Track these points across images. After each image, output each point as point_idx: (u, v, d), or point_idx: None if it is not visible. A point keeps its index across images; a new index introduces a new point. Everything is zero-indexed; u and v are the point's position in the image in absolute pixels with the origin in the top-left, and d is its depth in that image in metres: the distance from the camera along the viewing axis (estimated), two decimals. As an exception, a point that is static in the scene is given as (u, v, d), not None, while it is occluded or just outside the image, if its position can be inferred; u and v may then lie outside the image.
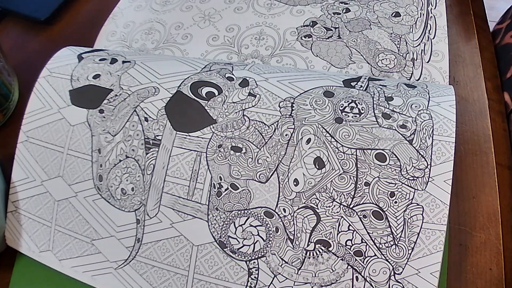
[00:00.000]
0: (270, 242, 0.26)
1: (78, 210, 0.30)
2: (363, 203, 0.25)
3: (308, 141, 0.26)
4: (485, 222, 0.29)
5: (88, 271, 0.29)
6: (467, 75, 0.36)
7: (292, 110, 0.27)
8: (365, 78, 0.30)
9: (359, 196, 0.25)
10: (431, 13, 0.38)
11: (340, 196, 0.25)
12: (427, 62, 0.35)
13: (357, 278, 0.24)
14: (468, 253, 0.28)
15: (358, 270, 0.24)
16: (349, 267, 0.24)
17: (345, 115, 0.26)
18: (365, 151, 0.25)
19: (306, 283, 0.25)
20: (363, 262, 0.24)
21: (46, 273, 0.30)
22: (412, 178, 0.24)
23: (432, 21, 0.38)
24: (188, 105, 0.29)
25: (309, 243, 0.25)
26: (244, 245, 0.26)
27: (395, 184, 0.24)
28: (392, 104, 0.27)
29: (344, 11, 0.39)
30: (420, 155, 0.25)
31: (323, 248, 0.25)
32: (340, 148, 0.25)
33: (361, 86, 0.28)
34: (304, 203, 0.25)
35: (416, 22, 0.37)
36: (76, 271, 0.30)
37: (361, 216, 0.24)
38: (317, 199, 0.25)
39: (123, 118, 0.29)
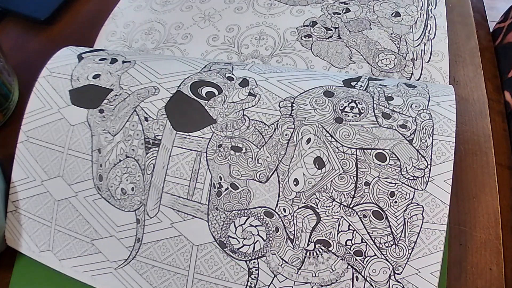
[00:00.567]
0: (270, 242, 0.26)
1: (78, 210, 0.30)
2: (363, 203, 0.25)
3: (308, 140, 0.26)
4: (485, 222, 0.29)
5: (88, 271, 0.29)
6: (467, 75, 0.36)
7: (292, 110, 0.27)
8: (365, 78, 0.30)
9: (359, 196, 0.25)
10: (431, 13, 0.38)
11: (340, 196, 0.25)
12: (427, 62, 0.35)
13: (357, 278, 0.24)
14: (468, 253, 0.28)
15: (358, 270, 0.24)
16: (349, 267, 0.24)
17: (345, 114, 0.26)
18: (365, 150, 0.25)
19: (306, 283, 0.25)
20: (363, 262, 0.24)
21: (46, 273, 0.30)
22: (412, 178, 0.24)
23: (432, 21, 0.38)
24: (188, 105, 0.29)
25: (309, 243, 0.25)
26: (244, 245, 0.26)
27: (395, 184, 0.24)
28: (392, 104, 0.27)
29: (344, 11, 0.39)
30: (420, 155, 0.25)
31: (323, 248, 0.25)
32: (340, 148, 0.25)
33: (361, 86, 0.28)
34: (304, 203, 0.25)
35: (416, 22, 0.37)
36: (76, 271, 0.30)
37: (361, 216, 0.24)
38: (317, 199, 0.25)
39: (123, 118, 0.29)
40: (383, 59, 0.35)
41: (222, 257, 0.26)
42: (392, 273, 0.24)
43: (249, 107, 0.28)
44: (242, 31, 0.39)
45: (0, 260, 0.32)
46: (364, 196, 0.25)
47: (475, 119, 0.33)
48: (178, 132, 0.28)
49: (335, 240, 0.25)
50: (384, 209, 0.24)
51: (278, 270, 0.25)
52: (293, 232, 0.25)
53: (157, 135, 0.28)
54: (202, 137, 0.28)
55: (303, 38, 0.38)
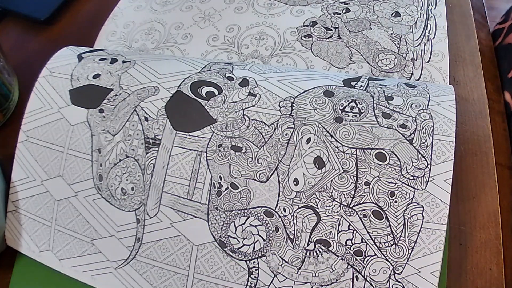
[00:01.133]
0: (270, 242, 0.26)
1: (78, 210, 0.30)
2: (363, 203, 0.25)
3: (308, 140, 0.26)
4: (485, 222, 0.29)
5: (88, 270, 0.29)
6: (467, 75, 0.36)
7: (292, 109, 0.27)
8: (365, 78, 0.30)
9: (359, 195, 0.25)
10: (431, 13, 0.38)
11: (340, 195, 0.25)
12: (427, 62, 0.35)
13: (357, 278, 0.24)
14: (468, 253, 0.28)
15: (358, 270, 0.24)
16: (349, 266, 0.24)
17: (345, 114, 0.26)
18: (365, 150, 0.25)
19: (306, 283, 0.25)
20: (363, 262, 0.24)
21: (46, 273, 0.30)
22: (412, 178, 0.24)
23: (432, 21, 0.38)
24: (188, 105, 0.29)
25: (309, 242, 0.25)
26: (244, 245, 0.26)
27: (395, 183, 0.24)
28: (392, 103, 0.27)
29: (344, 11, 0.39)
30: (420, 155, 0.25)
31: (323, 247, 0.25)
32: (340, 148, 0.25)
33: (361, 85, 0.28)
34: (304, 202, 0.25)
35: (416, 22, 0.37)
36: (76, 270, 0.29)
37: (361, 216, 0.24)
38: (317, 198, 0.25)
39: (123, 117, 0.29)
40: (383, 59, 0.35)
41: (222, 257, 0.26)
42: (392, 273, 0.24)
43: (249, 107, 0.28)
44: (242, 31, 0.39)
45: (0, 260, 0.32)
46: (364, 196, 0.25)
47: (475, 119, 0.33)
48: (178, 132, 0.28)
49: (335, 240, 0.25)
50: (384, 209, 0.24)
51: (278, 270, 0.25)
52: (293, 232, 0.25)
53: (157, 135, 0.28)
54: (202, 137, 0.28)
55: (303, 38, 0.38)
